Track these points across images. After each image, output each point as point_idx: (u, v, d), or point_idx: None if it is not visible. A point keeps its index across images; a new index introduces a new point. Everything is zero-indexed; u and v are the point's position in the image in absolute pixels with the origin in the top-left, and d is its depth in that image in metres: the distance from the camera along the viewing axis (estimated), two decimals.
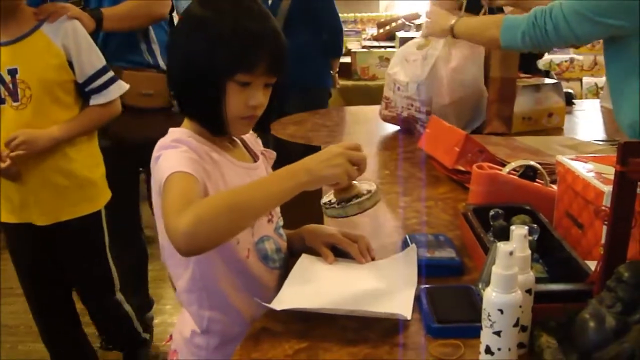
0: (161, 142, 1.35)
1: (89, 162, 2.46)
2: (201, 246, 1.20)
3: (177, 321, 1.54)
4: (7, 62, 2.22)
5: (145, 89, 2.75)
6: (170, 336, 1.55)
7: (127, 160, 2.85)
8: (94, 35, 2.50)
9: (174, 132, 1.40)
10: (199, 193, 1.25)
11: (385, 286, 1.33)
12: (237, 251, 1.38)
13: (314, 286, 1.34)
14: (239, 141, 1.52)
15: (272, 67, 1.36)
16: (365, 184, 1.37)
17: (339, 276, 1.39)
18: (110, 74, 2.39)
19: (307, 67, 3.87)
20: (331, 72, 4.20)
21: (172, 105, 2.72)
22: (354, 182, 1.32)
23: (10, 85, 2.23)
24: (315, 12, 3.92)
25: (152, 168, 1.34)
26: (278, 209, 1.53)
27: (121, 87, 2.42)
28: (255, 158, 1.53)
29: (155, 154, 1.34)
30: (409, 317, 1.19)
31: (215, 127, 1.40)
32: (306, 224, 1.57)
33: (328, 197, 1.37)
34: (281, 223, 1.53)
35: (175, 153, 1.30)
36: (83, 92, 2.37)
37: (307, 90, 3.81)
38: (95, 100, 2.36)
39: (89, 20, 2.46)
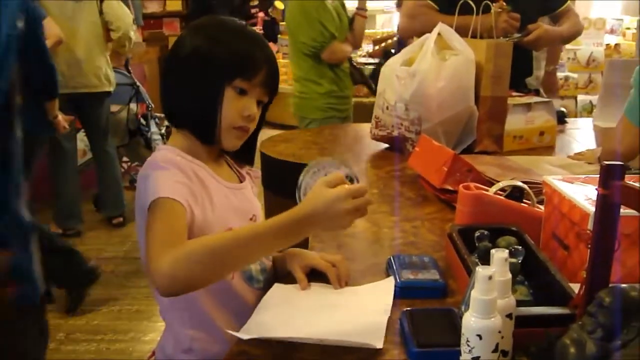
0: (150, 160, 1.36)
1: None
2: (179, 289, 1.19)
3: (160, 338, 1.52)
4: None
5: None
6: (153, 352, 1.54)
7: None
8: None
9: (163, 151, 1.40)
10: (184, 227, 1.25)
11: (358, 314, 1.31)
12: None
13: (285, 314, 1.33)
14: (225, 161, 1.52)
15: (269, 79, 1.40)
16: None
17: (312, 303, 1.37)
18: None
19: None
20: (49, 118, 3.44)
21: None
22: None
23: None
24: None
25: (138, 187, 1.34)
26: None
27: None
28: (241, 178, 1.52)
29: (142, 172, 1.33)
30: (380, 347, 1.17)
31: (207, 135, 1.40)
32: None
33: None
34: None
35: (165, 175, 1.30)
36: None
37: None
38: None
39: None
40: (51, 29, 4.28)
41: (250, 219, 1.48)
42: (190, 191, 1.31)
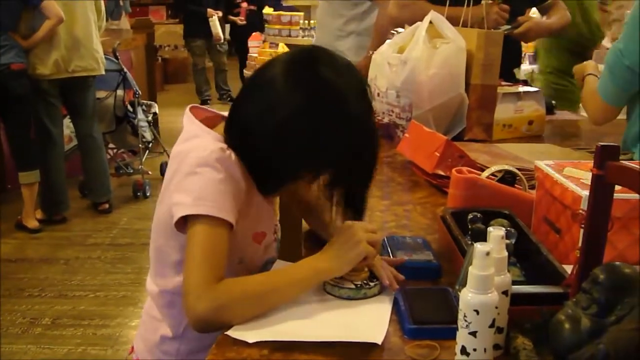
0: (201, 154, 1.27)
1: None
2: (216, 329, 1.20)
3: (139, 329, 1.51)
4: None
5: None
6: (132, 348, 1.52)
7: None
8: None
9: (213, 147, 1.29)
10: (225, 252, 1.24)
11: (359, 310, 1.29)
12: (241, 272, 1.37)
13: (284, 313, 1.26)
14: None
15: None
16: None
17: (312, 299, 1.31)
18: None
19: None
20: None
21: None
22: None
23: None
24: None
25: (174, 173, 1.29)
26: (279, 226, 1.54)
27: None
28: None
29: (191, 168, 1.26)
30: (379, 341, 1.14)
31: (264, 189, 1.39)
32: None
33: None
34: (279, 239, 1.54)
35: (214, 183, 1.25)
36: None
37: None
38: None
39: None
40: (52, 10, 4.31)
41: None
42: (238, 194, 1.28)
